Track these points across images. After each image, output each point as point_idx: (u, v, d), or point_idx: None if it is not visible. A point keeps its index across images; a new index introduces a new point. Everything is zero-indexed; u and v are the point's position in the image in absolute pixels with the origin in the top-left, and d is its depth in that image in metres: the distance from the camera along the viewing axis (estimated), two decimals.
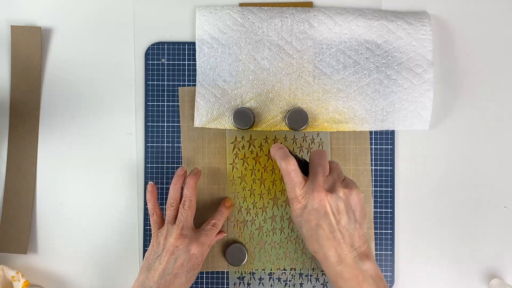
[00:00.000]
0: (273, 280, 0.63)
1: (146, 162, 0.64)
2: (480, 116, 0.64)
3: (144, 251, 0.63)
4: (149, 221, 0.64)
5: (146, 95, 0.64)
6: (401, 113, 0.63)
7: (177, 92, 0.64)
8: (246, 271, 0.63)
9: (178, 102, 0.64)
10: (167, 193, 0.64)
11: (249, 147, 0.63)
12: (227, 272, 0.63)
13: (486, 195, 0.64)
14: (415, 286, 0.64)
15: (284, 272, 0.63)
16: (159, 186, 0.64)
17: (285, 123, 0.63)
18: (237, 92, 0.63)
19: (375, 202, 0.63)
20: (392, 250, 0.63)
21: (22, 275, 0.61)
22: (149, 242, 0.63)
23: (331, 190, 0.53)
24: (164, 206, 0.62)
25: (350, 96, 0.63)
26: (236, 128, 0.63)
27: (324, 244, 0.52)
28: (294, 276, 0.63)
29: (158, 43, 0.64)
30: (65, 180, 0.64)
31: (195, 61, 0.63)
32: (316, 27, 0.63)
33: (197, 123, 0.63)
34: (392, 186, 0.63)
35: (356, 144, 0.63)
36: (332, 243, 0.52)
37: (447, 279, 0.64)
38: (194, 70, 0.64)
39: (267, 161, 0.63)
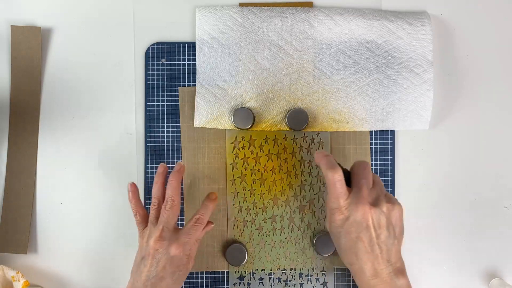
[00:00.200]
0: (273, 280, 0.63)
1: (146, 162, 0.64)
2: (480, 116, 0.64)
3: None
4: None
5: (146, 95, 0.64)
6: (401, 113, 0.63)
7: (177, 92, 0.64)
8: (246, 271, 0.63)
9: (178, 102, 0.64)
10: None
11: (249, 147, 0.63)
12: (227, 272, 0.63)
13: (486, 195, 0.64)
14: (415, 286, 0.64)
15: (284, 272, 0.63)
16: None
17: (285, 123, 0.63)
18: (237, 92, 0.63)
19: None
20: None
21: (22, 275, 0.61)
22: None
23: (374, 204, 0.52)
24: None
25: (350, 96, 0.63)
26: (236, 128, 0.63)
27: (362, 257, 0.52)
28: (294, 276, 0.63)
29: (158, 43, 0.64)
30: (65, 180, 0.64)
31: (195, 61, 0.64)
32: (316, 27, 0.63)
33: (197, 123, 0.63)
34: (392, 186, 0.63)
35: (356, 144, 0.63)
36: (370, 256, 0.52)
37: (447, 279, 0.64)
38: (194, 70, 0.64)
39: (267, 161, 0.63)
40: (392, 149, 0.64)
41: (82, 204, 0.64)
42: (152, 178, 0.63)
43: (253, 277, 0.63)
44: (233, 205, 0.63)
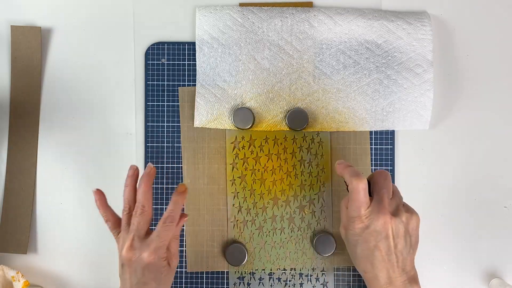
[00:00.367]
0: (273, 280, 0.63)
1: (146, 162, 0.64)
2: (480, 116, 0.64)
3: None
4: None
5: (146, 95, 0.64)
6: (401, 113, 0.63)
7: (177, 92, 0.64)
8: (246, 271, 0.63)
9: (178, 102, 0.64)
10: (167, 194, 0.64)
11: (249, 147, 0.63)
12: (227, 272, 0.63)
13: (486, 195, 0.64)
14: None
15: (284, 272, 0.63)
16: (159, 186, 0.64)
17: (285, 123, 0.63)
18: (237, 92, 0.63)
19: None
20: None
21: (22, 275, 0.61)
22: None
23: (394, 213, 0.53)
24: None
25: (350, 96, 0.63)
26: (236, 128, 0.63)
27: (378, 266, 0.53)
28: (294, 276, 0.63)
29: (158, 43, 0.64)
30: (65, 180, 0.64)
31: (195, 61, 0.64)
32: (316, 27, 0.63)
33: (197, 123, 0.63)
34: None
35: (356, 144, 0.63)
36: (386, 265, 0.52)
37: (447, 279, 0.64)
38: (194, 70, 0.64)
39: (267, 161, 0.63)
40: (392, 149, 0.64)
41: (82, 204, 0.64)
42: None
43: (253, 277, 0.63)
44: (233, 205, 0.63)
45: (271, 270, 0.63)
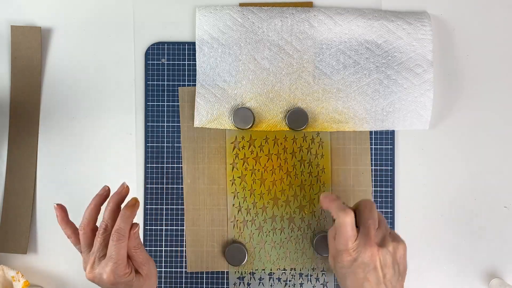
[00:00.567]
0: (273, 280, 0.63)
1: (146, 162, 0.64)
2: (480, 116, 0.64)
3: None
4: (149, 221, 0.64)
5: (146, 95, 0.64)
6: (401, 113, 0.63)
7: (177, 92, 0.64)
8: (246, 271, 0.63)
9: (178, 102, 0.64)
10: (167, 194, 0.64)
11: (249, 147, 0.63)
12: (227, 272, 0.63)
13: (486, 195, 0.64)
14: (415, 286, 0.64)
15: (284, 272, 0.63)
16: (159, 186, 0.64)
17: (285, 123, 0.63)
18: (237, 92, 0.63)
19: (375, 202, 0.63)
20: None
21: (22, 275, 0.61)
22: (149, 242, 0.64)
23: (381, 244, 0.53)
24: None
25: (350, 96, 0.63)
26: (236, 128, 0.63)
27: None
28: (294, 276, 0.63)
29: (158, 43, 0.64)
30: (65, 180, 0.64)
31: (195, 61, 0.63)
32: (316, 27, 0.63)
33: (197, 123, 0.63)
34: (392, 186, 0.63)
35: (356, 144, 0.63)
36: None
37: (447, 279, 0.64)
38: (194, 70, 0.64)
39: (267, 161, 0.63)
40: (392, 149, 0.64)
41: (82, 204, 0.64)
42: (152, 178, 0.63)
43: (253, 277, 0.63)
44: (233, 205, 0.63)
45: (271, 270, 0.63)
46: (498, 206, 0.64)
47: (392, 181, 0.63)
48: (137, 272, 0.53)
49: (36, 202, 0.64)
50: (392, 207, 0.63)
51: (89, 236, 0.53)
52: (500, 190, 0.64)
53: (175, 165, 0.64)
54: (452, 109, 0.64)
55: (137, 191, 0.64)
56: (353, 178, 0.63)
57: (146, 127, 0.64)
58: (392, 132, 0.64)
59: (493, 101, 0.64)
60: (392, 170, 0.64)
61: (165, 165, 0.64)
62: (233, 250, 0.62)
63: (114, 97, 0.64)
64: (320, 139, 0.64)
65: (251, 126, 0.62)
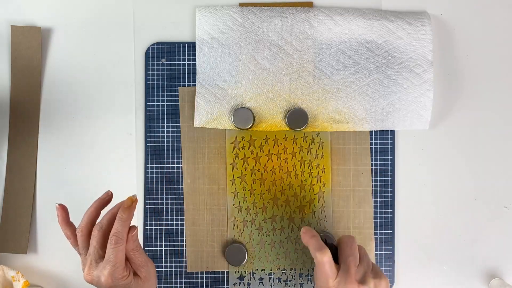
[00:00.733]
0: (273, 280, 0.63)
1: (146, 162, 0.64)
2: (480, 116, 0.64)
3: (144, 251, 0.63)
4: (149, 221, 0.64)
5: (146, 95, 0.64)
6: (401, 113, 0.63)
7: (177, 92, 0.64)
8: (246, 271, 0.63)
9: (178, 102, 0.64)
10: (167, 194, 0.64)
11: (249, 147, 0.63)
12: (227, 272, 0.63)
13: (486, 195, 0.64)
14: (415, 286, 0.64)
15: (284, 272, 0.63)
16: (159, 186, 0.64)
17: (285, 123, 0.63)
18: (237, 92, 0.63)
19: (375, 202, 0.63)
20: (392, 250, 0.63)
21: (22, 275, 0.61)
22: (149, 242, 0.64)
23: (362, 281, 0.53)
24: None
25: (350, 96, 0.63)
26: (236, 128, 0.63)
27: None
28: (294, 276, 0.63)
29: (158, 43, 0.64)
30: (65, 180, 0.64)
31: (195, 61, 0.64)
32: (316, 27, 0.63)
33: (197, 123, 0.63)
34: (392, 186, 0.63)
35: (356, 144, 0.63)
36: None
37: (447, 279, 0.64)
38: (194, 70, 0.64)
39: (267, 161, 0.63)
40: (392, 149, 0.64)
41: (82, 204, 0.64)
42: (152, 178, 0.63)
43: (253, 277, 0.63)
44: (233, 205, 0.63)
45: (271, 270, 0.63)
46: (498, 206, 0.64)
47: (392, 181, 0.63)
48: (135, 274, 0.53)
49: (36, 202, 0.64)
50: (392, 207, 0.63)
51: (86, 239, 0.53)
52: (500, 190, 0.64)
53: (175, 165, 0.64)
54: (452, 109, 0.64)
55: (137, 191, 0.64)
56: (353, 178, 0.63)
57: (146, 127, 0.64)
58: (392, 132, 0.64)
59: (493, 101, 0.64)
60: (392, 170, 0.64)
61: (165, 165, 0.64)
62: (233, 250, 0.62)
63: (114, 97, 0.64)
64: (320, 139, 0.64)
65: (251, 126, 0.62)
